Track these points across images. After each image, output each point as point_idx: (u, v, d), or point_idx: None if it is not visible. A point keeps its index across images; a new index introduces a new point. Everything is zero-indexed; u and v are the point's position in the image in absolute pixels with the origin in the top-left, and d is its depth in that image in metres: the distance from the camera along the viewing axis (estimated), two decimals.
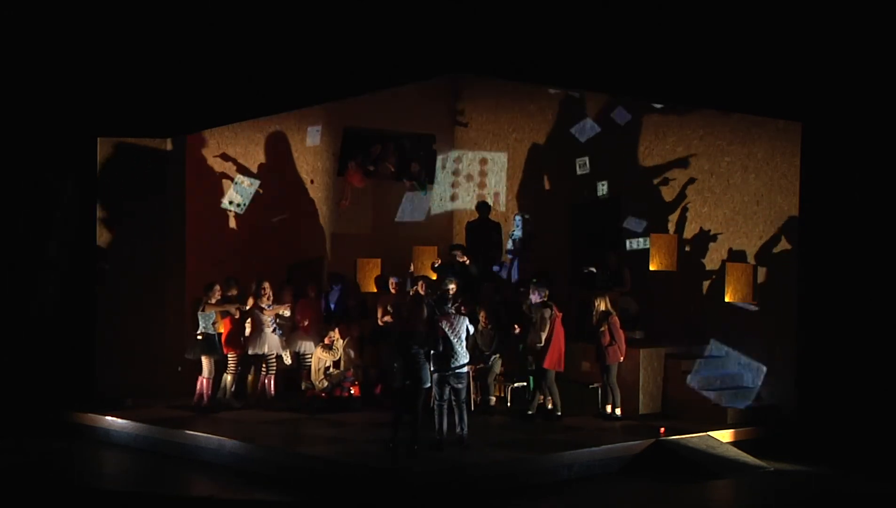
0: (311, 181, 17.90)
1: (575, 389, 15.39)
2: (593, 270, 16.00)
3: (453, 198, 19.18)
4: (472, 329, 13.50)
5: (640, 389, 15.26)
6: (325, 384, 15.45)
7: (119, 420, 14.73)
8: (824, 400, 14.24)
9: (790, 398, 14.74)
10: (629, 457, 13.36)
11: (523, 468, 12.61)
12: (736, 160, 15.88)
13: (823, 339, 14.34)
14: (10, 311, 15.93)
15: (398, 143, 18.47)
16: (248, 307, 15.43)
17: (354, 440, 13.53)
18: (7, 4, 15.15)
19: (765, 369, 15.29)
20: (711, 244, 16.03)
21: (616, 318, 14.94)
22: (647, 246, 16.02)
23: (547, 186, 18.24)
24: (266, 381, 15.68)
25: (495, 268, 17.17)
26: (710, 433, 14.08)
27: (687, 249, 16.17)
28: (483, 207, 17.97)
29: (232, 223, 16.96)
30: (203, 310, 15.11)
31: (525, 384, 15.45)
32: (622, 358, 14.86)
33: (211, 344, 15.16)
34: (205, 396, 15.19)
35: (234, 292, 15.49)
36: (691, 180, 16.31)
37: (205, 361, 15.17)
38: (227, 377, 15.38)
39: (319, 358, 15.60)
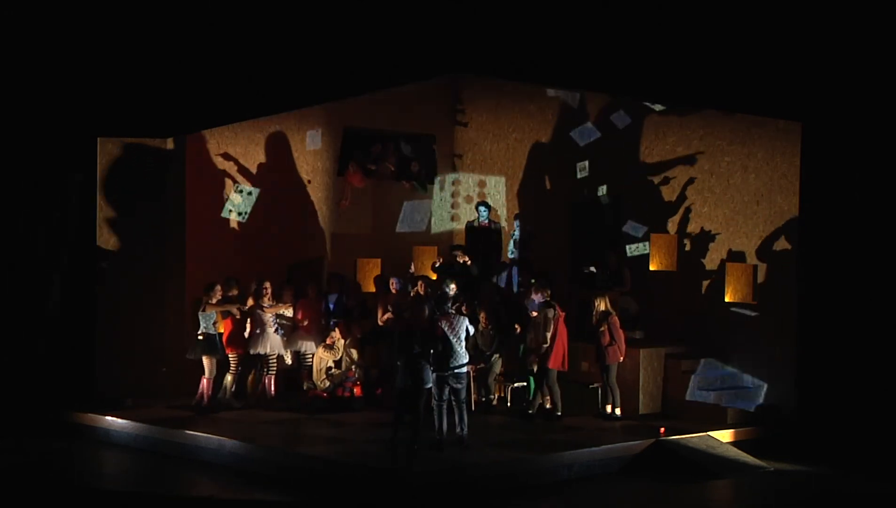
0: (308, 181, 17.90)
1: (575, 389, 15.39)
2: (593, 270, 15.99)
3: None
4: (472, 330, 13.49)
5: (640, 389, 15.27)
6: (328, 384, 15.46)
7: (119, 420, 14.72)
8: (824, 400, 14.24)
9: (790, 398, 14.73)
10: (629, 457, 13.36)
11: (523, 468, 12.61)
12: (736, 160, 15.87)
13: (823, 339, 14.33)
14: (10, 311, 15.92)
15: (398, 143, 18.47)
16: (248, 307, 15.44)
17: (354, 440, 13.53)
18: (7, 4, 15.14)
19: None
20: (711, 244, 16.04)
21: (616, 318, 14.94)
22: (647, 251, 16.03)
23: (547, 186, 18.24)
24: (266, 381, 15.69)
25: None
26: (710, 433, 14.09)
27: (687, 248, 16.18)
28: (483, 207, 17.97)
29: (233, 224, 16.98)
30: (204, 310, 15.11)
31: (525, 384, 15.46)
32: (622, 358, 14.86)
33: (212, 344, 15.16)
34: (205, 396, 15.19)
35: (234, 292, 15.49)
36: (691, 180, 16.30)
37: (206, 361, 15.17)
38: (228, 378, 15.39)
39: (321, 358, 15.62)
